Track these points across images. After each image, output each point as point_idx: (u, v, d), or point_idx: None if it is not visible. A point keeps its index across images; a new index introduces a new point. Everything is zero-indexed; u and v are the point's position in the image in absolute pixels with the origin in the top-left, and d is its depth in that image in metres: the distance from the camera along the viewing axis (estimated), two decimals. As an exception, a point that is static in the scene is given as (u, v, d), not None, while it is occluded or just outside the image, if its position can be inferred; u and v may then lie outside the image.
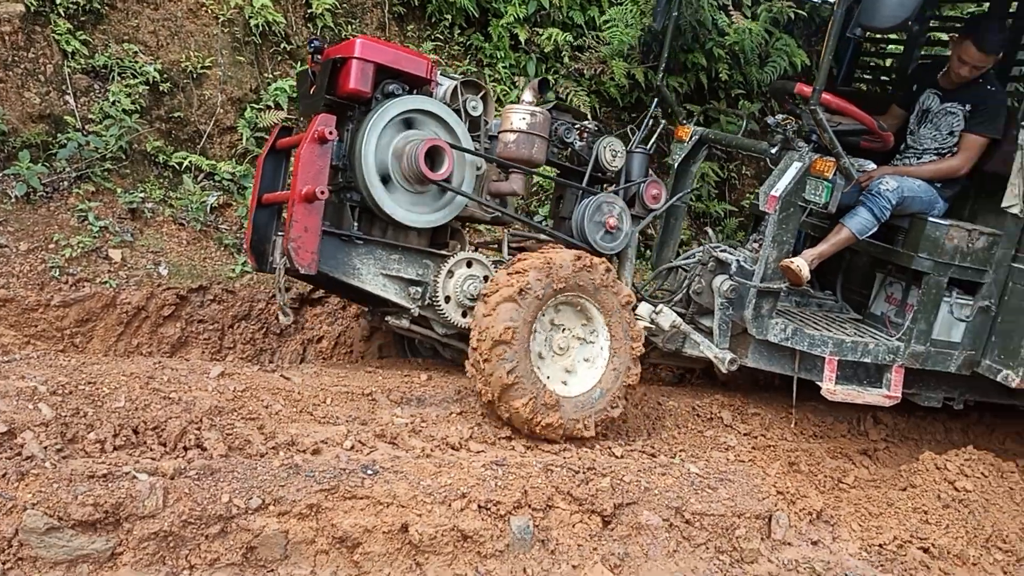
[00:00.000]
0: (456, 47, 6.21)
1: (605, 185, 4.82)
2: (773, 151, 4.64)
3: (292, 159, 4.23)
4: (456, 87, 4.30)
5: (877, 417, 5.46)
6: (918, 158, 5.09)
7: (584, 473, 3.72)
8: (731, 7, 6.71)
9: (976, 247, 4.72)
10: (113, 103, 5.01)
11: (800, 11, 6.59)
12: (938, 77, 5.05)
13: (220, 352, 5.01)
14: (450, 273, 4.23)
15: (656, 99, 5.52)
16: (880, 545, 4.11)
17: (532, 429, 3.92)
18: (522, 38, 6.19)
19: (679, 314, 4.80)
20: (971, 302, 4.80)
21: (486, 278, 4.23)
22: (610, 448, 4.20)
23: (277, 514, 3.08)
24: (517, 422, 3.91)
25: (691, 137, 5.34)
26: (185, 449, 3.31)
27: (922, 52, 5.83)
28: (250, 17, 5.46)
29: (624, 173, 4.73)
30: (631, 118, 5.16)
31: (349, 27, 5.84)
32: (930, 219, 4.72)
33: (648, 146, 4.88)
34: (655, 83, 5.53)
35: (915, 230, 4.78)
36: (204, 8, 5.41)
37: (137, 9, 5.26)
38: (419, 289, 4.21)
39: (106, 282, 4.72)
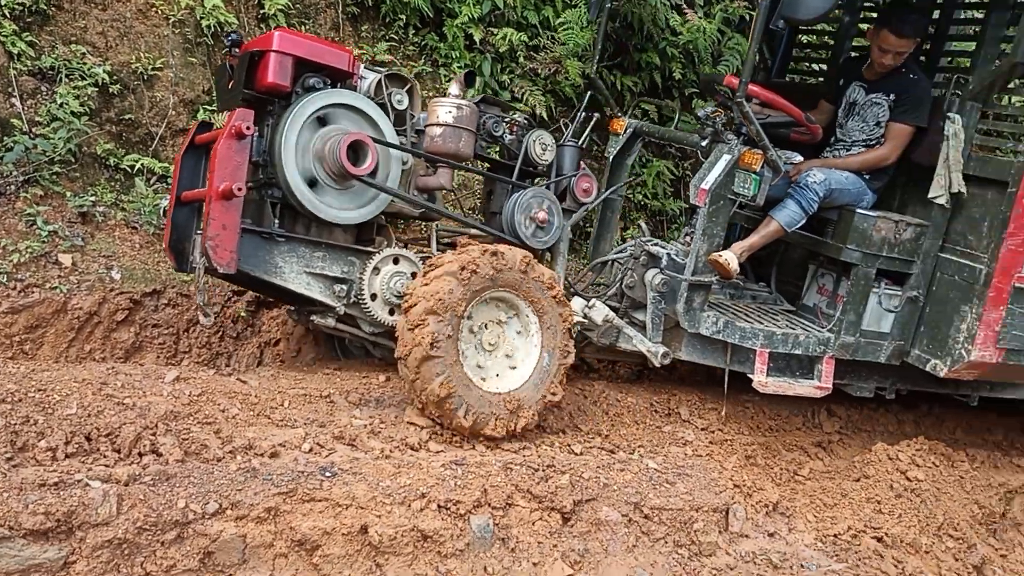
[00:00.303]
0: (411, 47, 6.20)
1: (536, 179, 4.79)
2: (703, 144, 4.64)
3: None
4: (380, 81, 4.26)
5: (831, 410, 5.55)
6: (847, 150, 5.10)
7: (543, 471, 3.74)
8: (684, 6, 6.78)
9: (904, 238, 4.74)
10: (61, 105, 4.92)
11: (752, 11, 6.67)
12: (863, 69, 5.07)
13: (175, 357, 4.95)
14: (376, 270, 4.18)
15: (589, 93, 5.51)
16: (835, 535, 4.18)
17: (473, 434, 3.90)
18: (477, 38, 6.19)
19: (613, 308, 4.80)
20: (899, 293, 4.83)
21: (414, 275, 4.17)
22: (569, 445, 4.23)
23: (235, 518, 3.05)
24: (460, 432, 3.89)
25: (625, 130, 5.33)
26: (140, 455, 3.27)
27: (853, 44, 5.84)
28: (201, 18, 5.40)
29: (555, 167, 4.70)
30: (587, 117, 5.18)
31: (303, 27, 5.80)
32: (858, 211, 4.74)
33: (581, 140, 4.87)
34: (592, 76, 5.56)
35: (844, 222, 4.81)
36: (154, 9, 5.33)
37: (84, 10, 5.17)
38: (344, 287, 4.16)
39: (56, 287, 4.64)
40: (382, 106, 4.22)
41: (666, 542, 3.79)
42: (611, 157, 5.39)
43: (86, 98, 5.02)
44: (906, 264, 4.80)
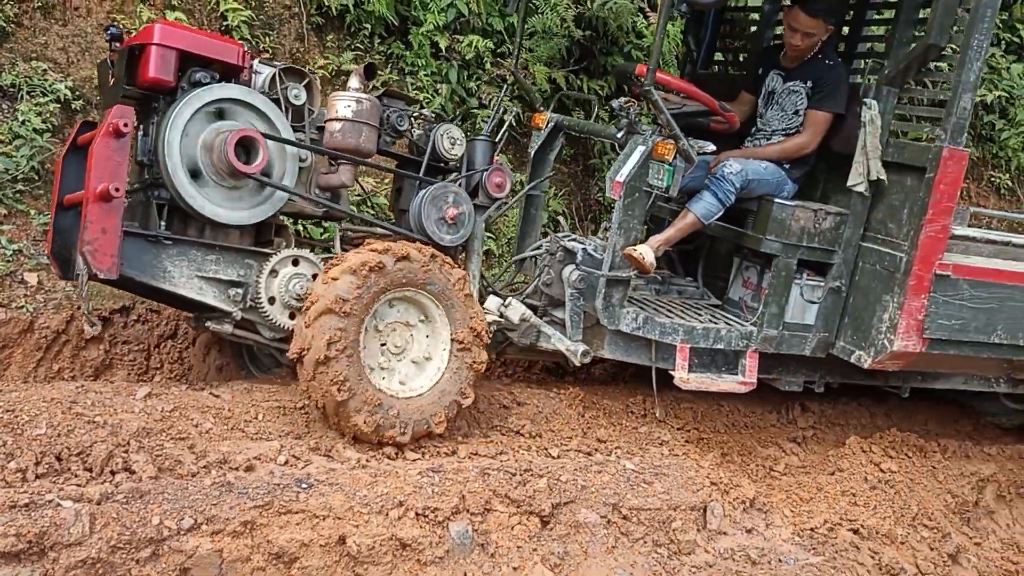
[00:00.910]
0: (377, 56, 6.19)
1: (445, 175, 4.61)
2: (619, 136, 4.48)
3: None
4: (275, 75, 4.11)
5: (805, 405, 5.60)
6: (767, 140, 4.98)
7: (521, 475, 3.74)
8: (648, 10, 6.84)
9: (823, 227, 4.62)
10: (23, 123, 4.87)
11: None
12: (780, 57, 4.97)
13: (147, 373, 4.90)
14: (273, 272, 4.01)
15: (506, 85, 5.41)
16: (812, 529, 4.22)
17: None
18: (443, 45, 6.20)
19: (532, 307, 4.69)
20: (822, 284, 4.72)
21: (315, 277, 4.00)
22: (546, 449, 4.23)
23: (210, 533, 3.03)
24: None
25: (547, 124, 5.17)
26: (112, 473, 3.23)
27: (775, 33, 5.70)
28: (505, 109, 5.35)
29: (466, 161, 4.52)
30: (506, 110, 5.08)
31: (267, 39, 5.78)
32: (776, 201, 4.62)
33: (501, 133, 4.76)
34: (514, 71, 5.42)
35: (762, 212, 4.68)
36: (115, 24, 5.29)
37: (45, 26, 5.12)
38: (240, 291, 3.98)
39: (23, 307, 4.58)
40: (277, 101, 4.05)
41: (645, 542, 3.80)
42: (533, 152, 5.24)
43: (48, 115, 4.97)
44: (827, 254, 4.69)
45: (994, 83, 7.90)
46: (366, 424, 3.69)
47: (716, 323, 4.70)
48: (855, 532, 4.27)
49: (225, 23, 5.62)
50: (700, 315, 4.82)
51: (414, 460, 3.80)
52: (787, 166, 4.81)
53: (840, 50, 5.17)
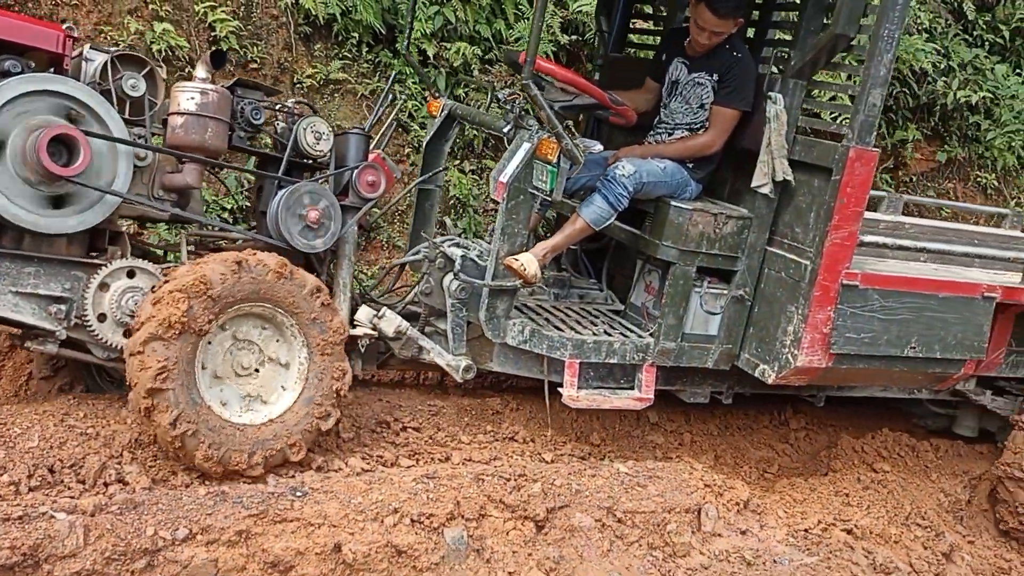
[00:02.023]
0: (365, 65, 6.21)
1: (314, 173, 4.17)
2: (506, 130, 4.08)
3: None
4: (107, 63, 3.64)
5: (796, 407, 5.62)
6: (669, 135, 4.56)
7: (515, 480, 3.74)
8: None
9: (725, 232, 4.24)
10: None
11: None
12: (685, 44, 4.52)
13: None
14: (104, 286, 3.57)
15: (393, 73, 4.98)
16: (805, 530, 4.22)
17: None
18: (430, 53, 6.22)
19: (415, 315, 4.35)
20: (725, 292, 4.37)
21: (154, 289, 3.52)
22: (539, 453, 4.25)
23: (205, 543, 3.02)
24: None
25: (441, 112, 4.68)
26: (106, 484, 3.24)
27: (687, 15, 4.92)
28: (152, 42, 5.36)
29: (335, 158, 4.09)
30: (393, 100, 4.85)
31: (255, 48, 5.79)
32: (673, 204, 4.23)
33: (388, 124, 4.43)
34: (403, 53, 4.92)
35: (659, 216, 4.29)
36: (103, 35, 5.29)
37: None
38: (64, 307, 3.52)
39: (13, 320, 4.55)
40: (107, 93, 3.61)
41: (640, 545, 3.80)
42: (425, 142, 4.75)
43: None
44: (730, 260, 4.31)
45: (979, 84, 7.96)
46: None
47: (611, 335, 4.32)
48: (849, 532, 4.28)
49: (214, 33, 5.63)
50: (596, 325, 4.46)
51: (409, 467, 3.80)
52: (690, 165, 4.44)
53: (748, 37, 4.80)
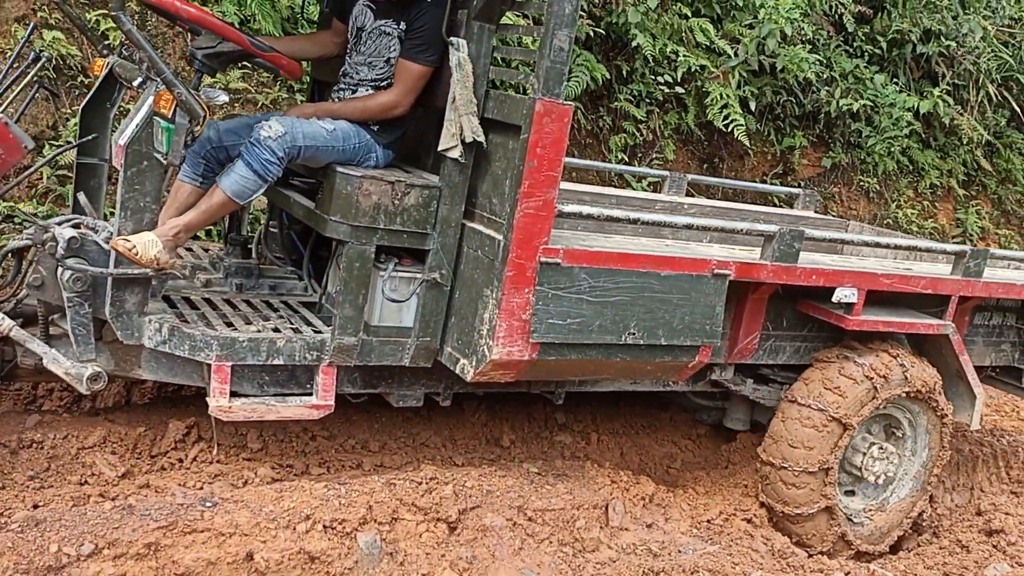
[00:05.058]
0: (264, 75, 6.15)
1: None
2: (136, 84, 3.49)
3: None
4: None
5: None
6: (353, 92, 3.92)
7: (427, 483, 3.78)
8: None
9: (408, 204, 3.55)
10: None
11: (599, 28, 6.95)
12: None
13: (35, 402, 4.73)
14: None
15: (32, 24, 4.21)
16: (708, 521, 4.39)
17: None
18: None
19: (32, 314, 3.58)
20: (417, 276, 3.67)
21: None
22: (451, 458, 4.29)
23: (112, 557, 2.97)
24: None
25: (104, 71, 3.86)
26: (4, 504, 3.15)
27: None
28: (41, 51, 5.20)
29: None
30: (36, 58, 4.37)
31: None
32: (339, 170, 3.54)
33: (27, 85, 3.85)
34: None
35: (327, 185, 3.61)
36: (-11, 43, 5.12)
37: None
38: None
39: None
40: None
41: (551, 542, 3.89)
42: (82, 106, 3.93)
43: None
44: (419, 238, 3.63)
45: (860, 93, 8.38)
46: None
47: (277, 332, 3.60)
48: (748, 521, 4.48)
49: (107, 42, 5.49)
50: (269, 320, 3.74)
51: (319, 475, 3.80)
52: (375, 128, 3.79)
53: None
